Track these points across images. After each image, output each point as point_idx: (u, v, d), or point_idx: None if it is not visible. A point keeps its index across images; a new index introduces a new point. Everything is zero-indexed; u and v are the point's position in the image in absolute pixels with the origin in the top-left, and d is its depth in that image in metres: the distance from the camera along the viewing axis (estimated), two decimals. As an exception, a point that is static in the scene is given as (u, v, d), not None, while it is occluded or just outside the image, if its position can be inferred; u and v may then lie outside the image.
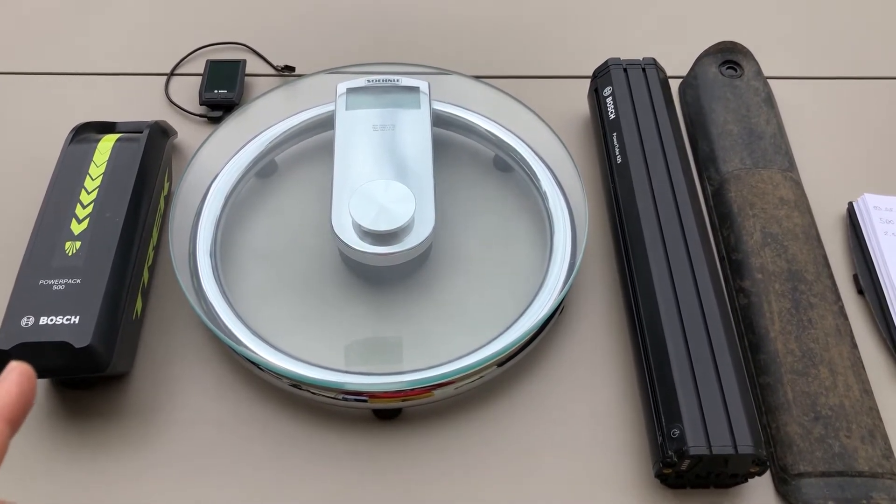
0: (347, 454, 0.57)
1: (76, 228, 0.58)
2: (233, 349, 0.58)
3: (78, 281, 0.55)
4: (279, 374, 0.57)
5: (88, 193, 0.61)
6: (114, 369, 0.55)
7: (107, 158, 0.63)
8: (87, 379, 0.58)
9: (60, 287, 0.55)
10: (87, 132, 0.67)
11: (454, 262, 0.66)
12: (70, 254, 0.57)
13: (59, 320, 0.53)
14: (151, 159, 0.65)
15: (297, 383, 0.57)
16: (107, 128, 0.69)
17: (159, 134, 0.68)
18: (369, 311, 0.64)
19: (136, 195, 0.61)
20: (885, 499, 0.53)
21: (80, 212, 0.59)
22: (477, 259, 0.66)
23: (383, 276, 0.65)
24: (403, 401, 0.58)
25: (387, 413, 0.59)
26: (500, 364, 0.59)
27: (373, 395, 0.57)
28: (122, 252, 0.58)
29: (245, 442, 0.57)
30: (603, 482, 0.56)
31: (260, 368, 0.58)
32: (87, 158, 0.63)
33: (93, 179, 0.62)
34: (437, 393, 0.58)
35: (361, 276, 0.65)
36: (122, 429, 0.58)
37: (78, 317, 0.54)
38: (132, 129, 0.68)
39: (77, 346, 0.52)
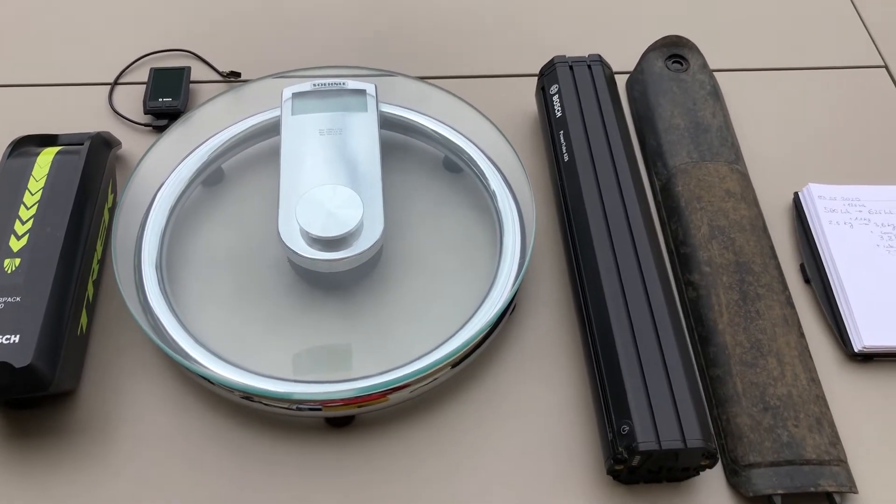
0: (302, 463, 0.57)
1: (15, 245, 0.57)
2: (182, 364, 0.57)
3: (17, 299, 0.54)
4: (230, 388, 0.56)
5: (28, 209, 0.59)
6: (58, 387, 0.54)
7: (46, 172, 0.62)
8: (32, 398, 0.57)
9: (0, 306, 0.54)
10: (27, 146, 0.65)
11: (405, 265, 0.66)
12: (9, 271, 0.56)
13: (-1, 340, 0.52)
14: (93, 171, 0.64)
15: (249, 395, 0.57)
16: (48, 141, 0.67)
17: (101, 145, 0.67)
18: (321, 318, 0.63)
19: (77, 208, 0.60)
20: (832, 485, 0.54)
21: (19, 227, 0.58)
22: (428, 261, 0.66)
23: (334, 281, 0.64)
24: (359, 407, 0.57)
25: (339, 421, 0.58)
26: (454, 365, 0.59)
27: (325, 404, 0.56)
28: (64, 267, 0.57)
29: (198, 456, 0.57)
30: (556, 480, 0.56)
31: (210, 382, 0.57)
32: (26, 173, 0.62)
33: (32, 194, 0.60)
34: (392, 397, 0.57)
35: (312, 282, 0.65)
36: (69, 448, 0.57)
37: (18, 336, 0.53)
38: (74, 141, 0.66)
39: (17, 365, 0.51)
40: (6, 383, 0.52)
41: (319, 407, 0.56)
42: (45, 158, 0.63)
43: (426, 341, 0.58)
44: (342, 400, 0.56)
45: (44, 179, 0.61)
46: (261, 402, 0.57)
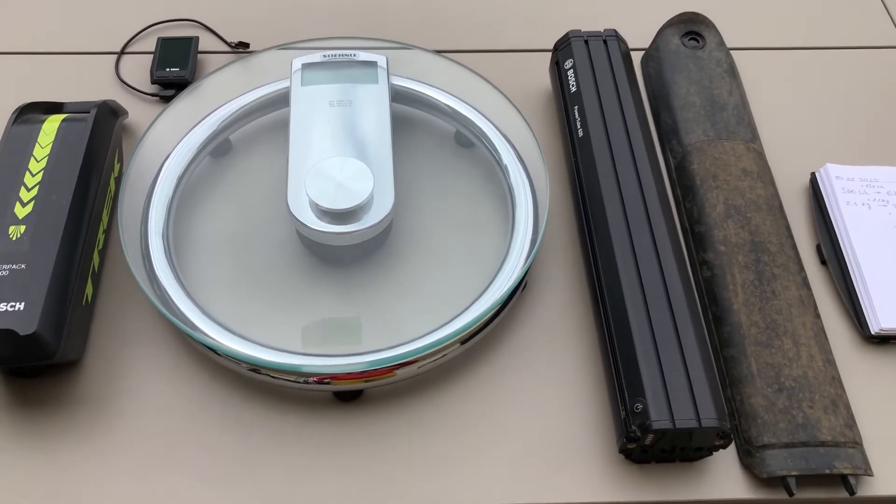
0: (309, 437, 0.56)
1: (20, 212, 0.56)
2: (188, 334, 0.56)
3: (23, 266, 0.53)
4: (237, 359, 0.56)
5: (33, 176, 0.59)
6: (63, 356, 0.53)
7: (52, 140, 0.61)
8: (36, 367, 0.57)
9: (4, 273, 0.53)
10: (32, 113, 0.64)
11: (415, 240, 0.65)
12: (14, 238, 0.55)
13: (3, 307, 0.51)
14: (99, 140, 0.63)
15: (256, 367, 0.56)
16: (54, 108, 0.66)
17: (108, 114, 0.66)
18: (329, 291, 0.62)
19: (83, 177, 0.59)
20: (847, 467, 0.53)
21: (25, 195, 0.57)
22: (438, 236, 0.65)
23: (343, 255, 0.63)
24: (365, 382, 0.57)
25: (348, 395, 0.58)
26: (464, 342, 0.58)
27: (333, 377, 0.55)
28: (70, 235, 0.56)
29: (203, 428, 0.56)
30: (567, 458, 0.55)
31: (217, 353, 0.57)
32: (32, 140, 0.61)
33: (37, 161, 0.59)
34: (400, 373, 0.56)
35: (320, 256, 0.64)
36: (74, 417, 0.56)
37: (23, 303, 0.52)
38: (80, 109, 0.65)
39: (22, 333, 0.50)
40: (11, 351, 0.51)
41: (326, 381, 0.56)
42: (51, 126, 0.62)
43: (435, 317, 0.57)
44: (348, 374, 0.55)
45: (49, 147, 0.60)
46: (268, 375, 0.56)
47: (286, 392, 0.58)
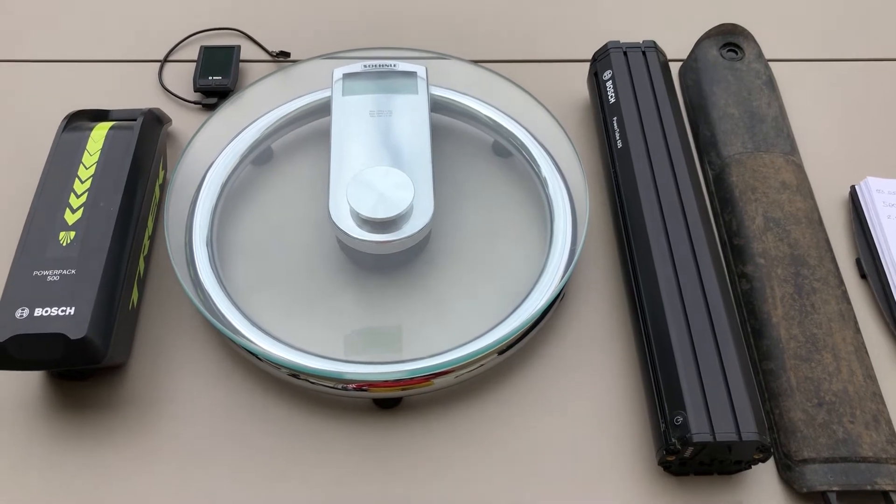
0: (347, 444, 0.57)
1: (70, 218, 0.58)
2: (230, 339, 0.57)
3: (73, 271, 0.55)
4: (277, 364, 0.56)
5: (82, 182, 0.60)
6: (110, 360, 0.54)
7: (100, 147, 0.62)
8: (84, 370, 0.58)
9: (55, 278, 0.54)
10: (80, 120, 0.66)
11: (453, 250, 0.65)
12: (64, 244, 0.56)
13: (55, 311, 0.52)
14: (146, 147, 0.64)
15: (296, 373, 0.57)
16: (100, 116, 0.68)
17: (153, 122, 0.67)
18: (368, 299, 0.63)
19: (130, 184, 0.60)
20: (889, 484, 0.53)
21: (74, 201, 0.59)
22: (476, 246, 0.66)
23: (382, 264, 0.64)
24: (403, 390, 0.57)
25: (387, 402, 0.58)
26: (501, 352, 0.59)
27: (372, 385, 0.56)
28: (117, 242, 0.57)
29: (244, 432, 0.57)
30: (606, 470, 0.56)
31: (258, 358, 0.57)
32: (81, 147, 0.62)
33: (86, 168, 0.61)
34: (437, 382, 0.57)
35: (360, 264, 0.64)
36: (119, 420, 0.57)
37: (73, 308, 0.53)
38: (126, 116, 0.67)
39: (73, 337, 0.52)
40: (61, 355, 0.52)
41: (365, 388, 0.56)
42: (99, 133, 0.63)
43: (473, 327, 0.58)
44: (386, 382, 0.56)
45: (98, 154, 0.62)
46: (307, 381, 0.57)
47: (326, 398, 0.58)
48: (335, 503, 0.54)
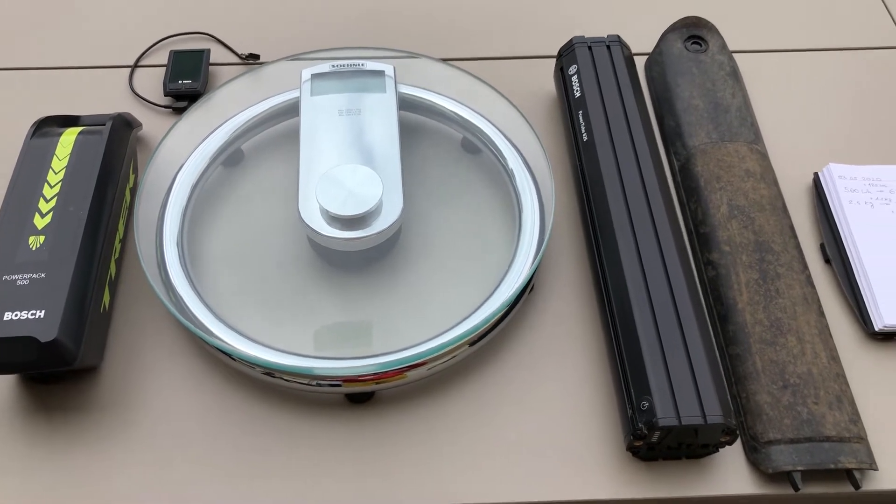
0: (322, 439, 0.57)
1: (39, 223, 0.58)
2: (203, 340, 0.57)
3: (42, 275, 0.55)
4: (251, 363, 0.57)
5: (52, 187, 0.60)
6: (82, 363, 0.55)
7: (69, 152, 0.62)
8: (56, 373, 0.58)
9: (25, 282, 0.55)
10: (49, 126, 0.66)
11: (424, 244, 0.66)
12: (34, 248, 0.56)
13: (25, 315, 0.53)
14: (115, 151, 0.64)
15: (270, 371, 0.57)
16: (70, 121, 0.68)
17: (123, 126, 0.67)
18: (340, 296, 0.64)
19: (99, 188, 0.61)
20: (852, 462, 0.54)
21: (44, 206, 0.59)
22: (446, 240, 0.66)
23: (353, 260, 0.65)
24: (376, 384, 0.58)
25: (360, 397, 0.59)
26: (472, 343, 0.59)
27: (346, 380, 0.57)
28: (87, 245, 0.58)
29: (219, 432, 0.57)
30: (575, 457, 0.56)
31: (231, 358, 0.58)
32: (49, 152, 0.62)
33: (55, 173, 0.61)
34: (410, 374, 0.58)
35: (331, 261, 0.65)
36: (93, 422, 0.57)
37: (43, 311, 0.53)
38: (95, 122, 0.67)
39: (43, 340, 0.52)
40: (32, 358, 0.52)
41: (339, 383, 0.57)
42: (68, 138, 0.64)
43: (444, 320, 0.58)
44: (360, 376, 0.56)
45: (67, 159, 0.62)
46: (281, 378, 0.57)
47: (299, 395, 0.59)
48: (311, 498, 0.55)
